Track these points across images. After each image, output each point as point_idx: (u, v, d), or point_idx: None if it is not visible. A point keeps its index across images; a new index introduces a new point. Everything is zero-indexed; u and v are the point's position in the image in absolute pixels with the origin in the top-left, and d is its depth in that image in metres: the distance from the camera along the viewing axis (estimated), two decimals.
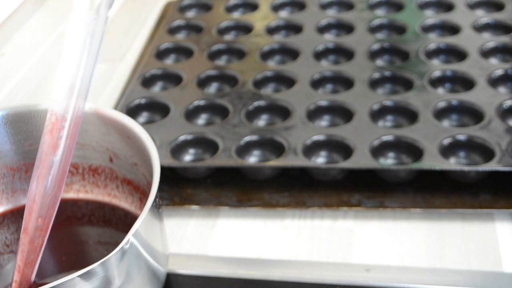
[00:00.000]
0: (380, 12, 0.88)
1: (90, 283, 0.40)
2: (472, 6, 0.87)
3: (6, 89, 0.84)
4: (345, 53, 0.80)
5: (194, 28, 0.88)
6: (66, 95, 0.44)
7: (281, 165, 0.63)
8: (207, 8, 0.93)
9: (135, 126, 0.51)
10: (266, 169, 0.64)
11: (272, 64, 0.80)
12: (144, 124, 0.69)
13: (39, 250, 0.46)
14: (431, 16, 0.86)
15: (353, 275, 0.55)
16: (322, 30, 0.85)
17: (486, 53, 0.77)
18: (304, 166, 0.63)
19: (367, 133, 0.66)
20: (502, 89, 0.72)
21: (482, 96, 0.70)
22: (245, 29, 0.87)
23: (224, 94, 0.74)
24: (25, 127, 0.54)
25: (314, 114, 0.70)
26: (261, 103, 0.72)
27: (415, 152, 0.63)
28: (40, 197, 0.45)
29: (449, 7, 0.87)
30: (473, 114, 0.68)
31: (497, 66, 0.74)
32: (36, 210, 0.45)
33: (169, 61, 0.82)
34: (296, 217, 0.62)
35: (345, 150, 0.64)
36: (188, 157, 0.67)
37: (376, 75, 0.75)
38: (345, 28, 0.85)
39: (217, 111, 0.71)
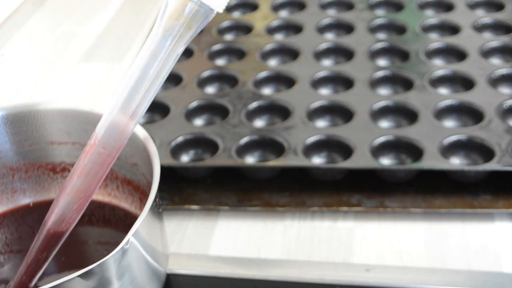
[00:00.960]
0: (380, 12, 0.88)
1: (90, 283, 0.40)
2: (472, 6, 0.87)
3: (6, 89, 0.84)
4: (345, 53, 0.80)
5: None
6: (112, 117, 0.41)
7: (281, 165, 0.63)
8: None
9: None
10: (266, 169, 0.64)
11: (272, 64, 0.80)
12: (144, 124, 0.69)
13: (42, 263, 0.45)
14: (431, 16, 0.86)
15: (353, 275, 0.55)
16: (322, 30, 0.85)
17: (486, 53, 0.77)
18: (304, 166, 0.63)
19: (367, 133, 0.66)
20: (502, 89, 0.72)
21: (482, 96, 0.70)
22: (245, 29, 0.87)
23: (224, 94, 0.74)
24: (25, 127, 0.54)
25: (314, 114, 0.70)
26: (261, 103, 0.72)
27: (415, 152, 0.63)
28: (57, 214, 0.44)
29: (449, 7, 0.87)
30: (473, 114, 0.68)
31: (497, 66, 0.74)
32: (49, 223, 0.44)
33: None
34: (296, 217, 0.62)
35: (345, 150, 0.64)
36: (188, 157, 0.67)
37: (376, 75, 0.75)
38: (345, 28, 0.85)
39: (217, 111, 0.71)
